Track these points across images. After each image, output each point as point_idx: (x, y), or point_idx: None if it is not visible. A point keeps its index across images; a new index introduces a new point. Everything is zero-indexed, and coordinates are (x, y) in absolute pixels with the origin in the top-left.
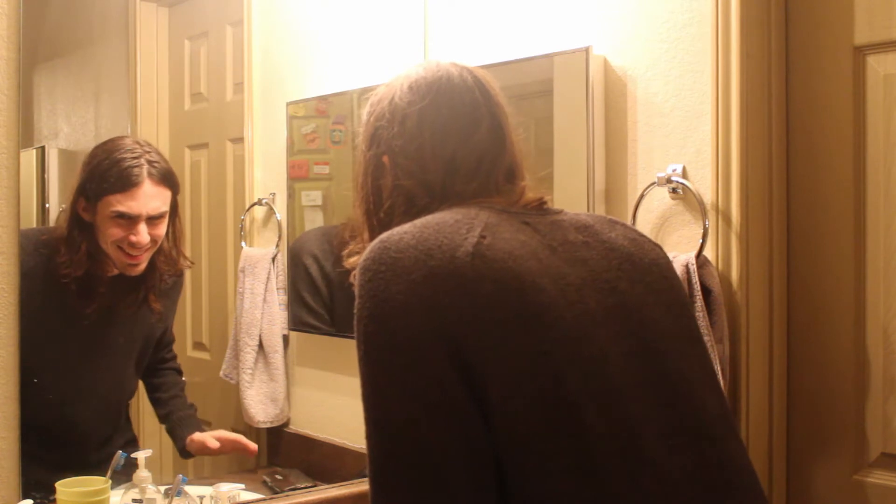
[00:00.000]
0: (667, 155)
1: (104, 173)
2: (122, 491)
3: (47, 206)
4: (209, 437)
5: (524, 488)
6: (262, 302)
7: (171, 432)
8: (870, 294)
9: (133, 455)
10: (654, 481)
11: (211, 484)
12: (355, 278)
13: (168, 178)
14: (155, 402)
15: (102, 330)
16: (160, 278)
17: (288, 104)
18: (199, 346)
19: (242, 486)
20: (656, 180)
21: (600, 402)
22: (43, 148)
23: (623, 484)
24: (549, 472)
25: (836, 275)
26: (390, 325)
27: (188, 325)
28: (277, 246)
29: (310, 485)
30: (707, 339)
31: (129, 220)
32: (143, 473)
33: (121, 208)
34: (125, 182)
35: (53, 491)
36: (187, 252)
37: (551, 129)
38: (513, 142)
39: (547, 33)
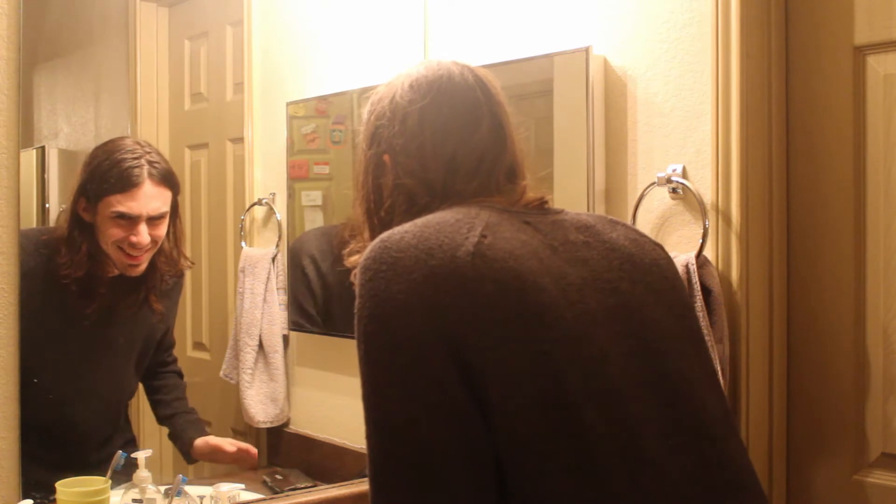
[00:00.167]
0: (667, 155)
1: (105, 174)
2: (122, 491)
3: (47, 206)
4: (226, 442)
5: (524, 488)
6: (262, 302)
7: (176, 436)
8: (870, 294)
9: (133, 455)
10: (654, 481)
11: (211, 484)
12: (356, 277)
13: (168, 179)
14: (156, 403)
15: (103, 330)
16: (161, 279)
17: (288, 104)
18: (199, 346)
19: (242, 486)
20: (656, 180)
21: (600, 402)
22: (43, 148)
23: (623, 484)
24: (549, 472)
25: (836, 275)
26: (391, 325)
27: (188, 325)
28: (277, 246)
29: (310, 485)
30: (707, 339)
31: (130, 221)
32: (143, 473)
33: (121, 209)
34: (126, 182)
35: (53, 491)
36: (188, 252)
37: (551, 129)
38: (514, 141)
39: (547, 33)
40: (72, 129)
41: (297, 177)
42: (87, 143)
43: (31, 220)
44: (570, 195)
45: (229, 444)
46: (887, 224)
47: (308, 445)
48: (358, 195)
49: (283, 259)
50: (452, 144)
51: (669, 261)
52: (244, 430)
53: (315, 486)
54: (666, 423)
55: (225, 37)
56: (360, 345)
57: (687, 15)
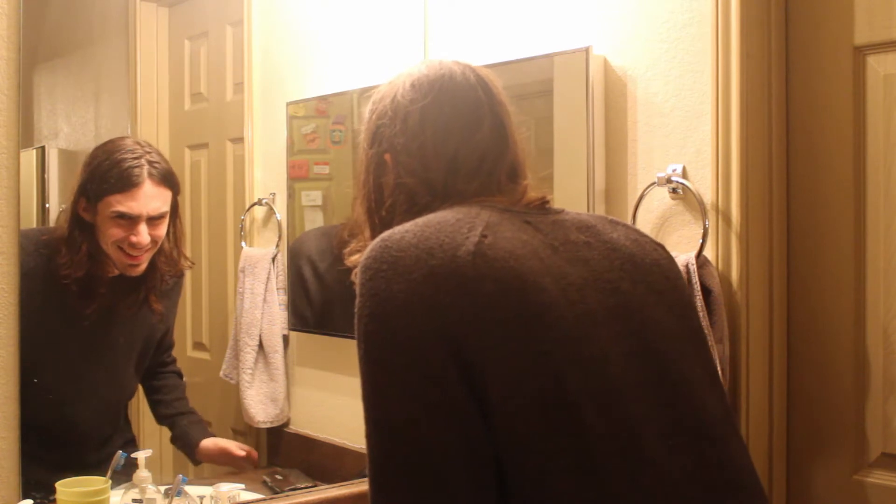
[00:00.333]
0: (667, 155)
1: (105, 174)
2: (122, 491)
3: (47, 206)
4: (233, 445)
5: (524, 488)
6: (262, 302)
7: (179, 437)
8: (870, 294)
9: (133, 455)
10: (654, 481)
11: (211, 484)
12: (356, 277)
13: (168, 179)
14: (156, 403)
15: (103, 330)
16: (161, 279)
17: (288, 104)
18: (199, 346)
19: (242, 486)
20: (656, 180)
21: (600, 402)
22: (43, 148)
23: (623, 484)
24: (549, 472)
25: (836, 275)
26: (391, 325)
27: (188, 325)
28: (277, 246)
29: (310, 485)
30: (707, 339)
31: (130, 221)
32: (143, 473)
33: (121, 209)
34: (125, 182)
35: (53, 491)
36: (188, 252)
37: (551, 129)
38: (515, 141)
39: (547, 33)
40: (72, 129)
41: (297, 177)
42: (87, 143)
43: (31, 220)
44: (570, 195)
45: (237, 448)
46: (887, 224)
47: (308, 445)
48: (359, 194)
49: (283, 259)
50: (454, 144)
51: (671, 261)
52: (244, 430)
53: (315, 486)
54: (666, 423)
55: (225, 37)
56: (361, 344)
57: (687, 15)
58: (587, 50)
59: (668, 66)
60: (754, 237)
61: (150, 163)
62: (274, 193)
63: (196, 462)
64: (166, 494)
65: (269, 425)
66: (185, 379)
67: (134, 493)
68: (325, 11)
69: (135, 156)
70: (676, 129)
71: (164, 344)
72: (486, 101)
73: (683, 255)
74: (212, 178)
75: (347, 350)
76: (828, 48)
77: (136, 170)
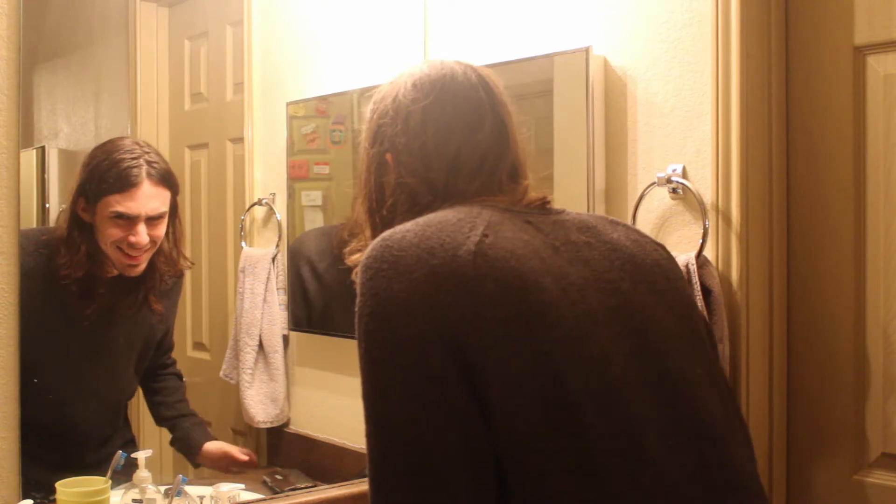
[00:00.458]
0: (667, 155)
1: (103, 174)
2: (122, 491)
3: (47, 206)
4: (236, 449)
5: (524, 487)
6: (262, 302)
7: (181, 439)
8: (870, 294)
9: (133, 455)
10: (654, 481)
11: (211, 484)
12: (357, 276)
13: (167, 179)
14: (157, 405)
15: (102, 331)
16: (160, 279)
17: (288, 104)
18: (199, 346)
19: (242, 486)
20: (656, 180)
21: (601, 402)
22: (43, 148)
23: (623, 484)
24: (549, 472)
25: (836, 275)
26: (391, 324)
27: (188, 325)
28: (277, 246)
29: (310, 485)
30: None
31: (128, 221)
32: (143, 473)
33: (120, 209)
34: (124, 182)
35: (53, 491)
36: (187, 252)
37: (551, 129)
38: (516, 141)
39: (547, 33)
40: (72, 129)
41: (297, 177)
42: (87, 143)
43: (31, 220)
44: (570, 195)
45: (240, 452)
46: (887, 224)
47: (308, 445)
48: (360, 194)
49: (283, 259)
50: (455, 144)
51: (671, 261)
52: (244, 430)
53: (315, 486)
54: (666, 423)
55: (225, 37)
56: (361, 343)
57: (687, 15)
58: (587, 50)
59: (668, 66)
60: (754, 237)
61: (148, 163)
62: (274, 193)
63: (196, 465)
64: (166, 494)
65: (269, 425)
66: (185, 379)
67: (134, 493)
68: (325, 11)
69: (133, 156)
70: (676, 129)
71: (164, 345)
72: (487, 101)
73: (683, 255)
74: (212, 178)
75: (347, 350)
76: (828, 48)
77: (135, 170)
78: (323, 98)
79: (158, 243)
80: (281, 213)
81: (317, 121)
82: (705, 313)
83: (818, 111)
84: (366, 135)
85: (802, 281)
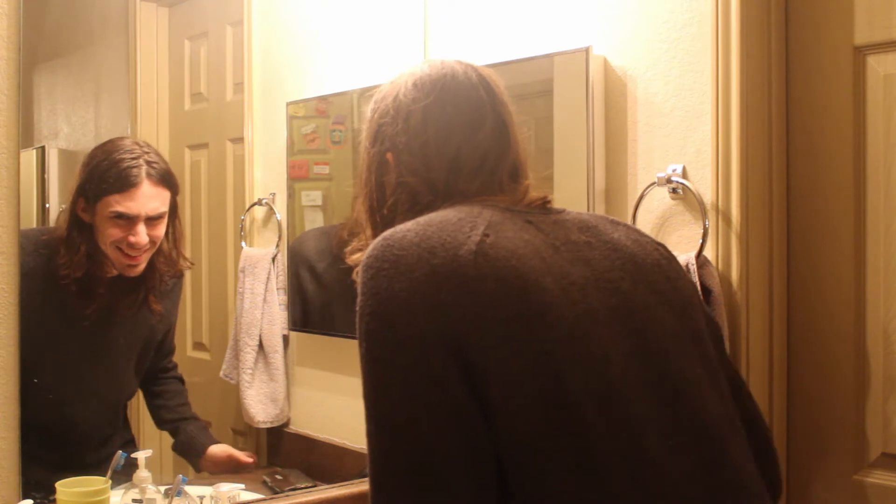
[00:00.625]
0: (667, 155)
1: (103, 174)
2: (122, 491)
3: (47, 206)
4: (242, 454)
5: (525, 487)
6: (262, 302)
7: (184, 442)
8: (870, 294)
9: (133, 455)
10: (655, 481)
11: (211, 484)
12: (357, 276)
13: (167, 179)
14: (158, 408)
15: (102, 331)
16: (160, 279)
17: (288, 104)
18: (199, 346)
19: (242, 486)
20: (656, 180)
21: (601, 402)
22: (43, 148)
23: (623, 483)
24: (549, 471)
25: (836, 275)
26: (392, 323)
27: (188, 326)
28: (277, 246)
29: (310, 485)
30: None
31: (128, 221)
32: (143, 473)
33: (119, 209)
34: (123, 182)
35: (53, 491)
36: (187, 253)
37: (551, 129)
38: (517, 140)
39: (547, 33)
40: (72, 129)
41: (297, 177)
42: (87, 143)
43: (31, 220)
44: (570, 195)
45: (244, 455)
46: (887, 224)
47: (308, 445)
48: (360, 193)
49: (283, 259)
50: (456, 143)
51: (672, 260)
52: (244, 430)
53: (315, 486)
54: (666, 423)
55: (225, 37)
56: (362, 343)
57: (687, 15)
58: (587, 50)
59: (668, 66)
60: (754, 237)
61: (148, 163)
62: (274, 193)
63: (198, 469)
64: (166, 494)
65: (269, 425)
66: (185, 379)
67: (134, 493)
68: (325, 11)
69: (133, 156)
70: (676, 129)
71: (164, 347)
72: (488, 101)
73: (683, 255)
74: (212, 178)
75: (348, 350)
76: (828, 48)
77: (135, 170)
78: (323, 98)
79: (158, 243)
80: (281, 213)
81: (317, 121)
82: None
83: (818, 111)
84: (366, 134)
85: (802, 281)
